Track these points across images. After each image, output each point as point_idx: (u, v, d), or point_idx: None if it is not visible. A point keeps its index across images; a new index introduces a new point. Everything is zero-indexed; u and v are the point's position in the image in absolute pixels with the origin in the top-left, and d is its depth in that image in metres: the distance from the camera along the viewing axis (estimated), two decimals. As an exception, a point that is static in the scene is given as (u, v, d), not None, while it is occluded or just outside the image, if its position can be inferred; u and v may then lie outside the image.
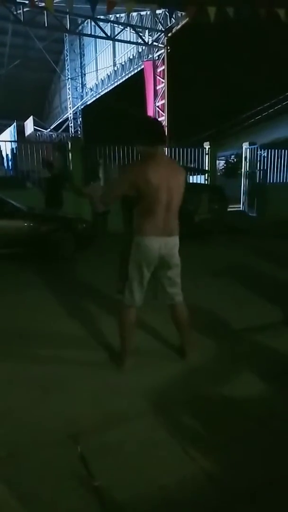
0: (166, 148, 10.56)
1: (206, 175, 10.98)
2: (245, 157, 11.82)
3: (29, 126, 18.56)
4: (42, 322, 3.61)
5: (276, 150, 11.95)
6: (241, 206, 12.05)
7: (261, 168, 11.56)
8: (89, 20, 14.96)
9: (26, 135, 18.26)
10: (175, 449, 1.89)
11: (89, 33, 17.13)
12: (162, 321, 3.16)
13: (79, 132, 21.46)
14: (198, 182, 10.88)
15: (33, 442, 1.95)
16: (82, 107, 21.34)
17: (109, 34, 14.77)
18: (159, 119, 14.27)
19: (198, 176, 11.13)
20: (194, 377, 2.62)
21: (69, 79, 21.07)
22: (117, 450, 1.89)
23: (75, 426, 2.06)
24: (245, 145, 11.83)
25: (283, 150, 12.06)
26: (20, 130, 17.67)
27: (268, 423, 2.11)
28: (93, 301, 4.13)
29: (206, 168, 10.98)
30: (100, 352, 2.95)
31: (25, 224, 5.84)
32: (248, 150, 11.71)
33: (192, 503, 1.59)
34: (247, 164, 11.81)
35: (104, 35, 14.63)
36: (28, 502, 1.59)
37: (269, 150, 11.81)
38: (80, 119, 21.86)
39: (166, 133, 2.66)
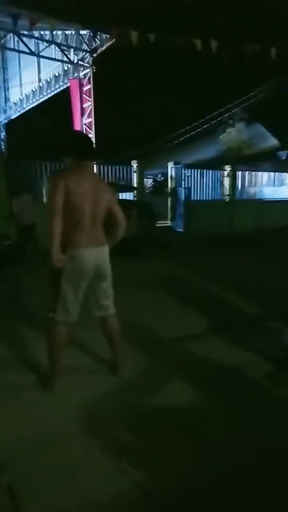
0: (95, 165, 10.64)
1: (135, 192, 11.24)
2: (171, 176, 12.35)
3: None
4: None
5: (199, 170, 12.70)
6: (169, 221, 12.50)
7: (186, 186, 12.16)
8: (12, 34, 14.67)
9: None
10: (109, 464, 1.85)
11: (13, 47, 16.76)
12: (91, 337, 3.11)
13: (2, 147, 20.66)
14: (128, 199, 11.09)
15: None
16: (5, 121, 20.64)
17: (33, 50, 14.60)
18: (87, 137, 14.36)
19: (127, 193, 11.35)
20: (126, 390, 2.60)
21: (-9, 93, 20.29)
22: (48, 473, 1.80)
23: (1, 454, 1.91)
24: (170, 165, 12.37)
25: (204, 170, 12.86)
26: None
27: (199, 431, 2.16)
28: (20, 321, 3.93)
29: (135, 185, 11.25)
30: (28, 374, 2.80)
31: None
32: (173, 169, 12.26)
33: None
34: (173, 182, 12.34)
35: (28, 51, 14.43)
36: None
37: (193, 170, 12.51)
38: (4, 133, 21.10)
39: (94, 149, 2.68)
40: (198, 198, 12.59)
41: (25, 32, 13.42)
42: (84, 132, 14.09)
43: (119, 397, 2.52)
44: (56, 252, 2.37)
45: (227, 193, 13.03)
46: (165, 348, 3.30)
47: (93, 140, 13.83)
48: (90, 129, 14.41)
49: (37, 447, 1.98)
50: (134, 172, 11.29)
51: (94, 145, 2.67)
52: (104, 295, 2.67)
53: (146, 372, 2.87)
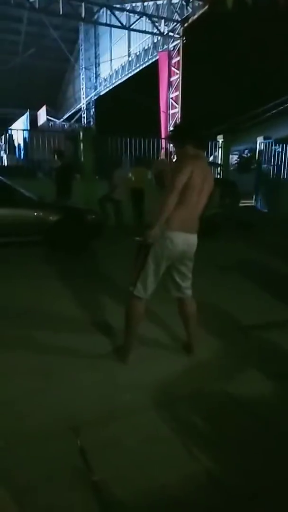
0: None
1: (219, 169, 10.83)
2: (259, 152, 11.62)
3: (42, 115, 18.50)
4: (50, 309, 3.59)
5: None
6: (253, 201, 11.88)
7: (275, 163, 11.35)
8: (104, 8, 14.77)
9: (38, 124, 18.22)
10: (177, 446, 1.85)
11: (104, 22, 16.91)
12: (170, 315, 3.11)
13: (91, 123, 21.33)
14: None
15: (32, 434, 1.93)
16: (95, 97, 21.19)
17: (124, 24, 14.56)
18: (173, 111, 14.11)
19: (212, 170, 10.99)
20: (199, 373, 2.57)
21: (83, 69, 20.90)
22: (118, 445, 1.86)
23: (76, 419, 2.03)
24: (260, 139, 11.61)
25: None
26: (33, 120, 17.63)
27: (273, 424, 2.05)
28: (102, 291, 4.10)
29: (219, 162, 10.83)
30: (106, 343, 2.92)
31: (35, 213, 5.82)
32: (262, 144, 11.50)
33: (193, 503, 1.55)
34: (261, 158, 11.60)
35: (119, 24, 14.43)
36: (25, 495, 1.56)
37: (284, 145, 11.58)
38: (93, 109, 21.73)
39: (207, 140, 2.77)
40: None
41: (117, 6, 13.41)
42: (170, 106, 13.87)
43: (190, 378, 2.50)
44: (158, 228, 2.41)
45: None
46: (241, 335, 3.18)
47: (178, 114, 13.58)
48: (176, 103, 14.12)
49: (108, 417, 2.06)
50: (220, 148, 10.84)
51: (207, 133, 2.75)
52: (182, 277, 2.67)
53: (220, 356, 2.80)
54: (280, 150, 11.39)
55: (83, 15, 14.28)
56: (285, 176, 11.54)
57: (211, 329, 3.13)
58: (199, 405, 2.19)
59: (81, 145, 9.14)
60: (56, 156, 7.54)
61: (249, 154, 15.99)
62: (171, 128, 2.80)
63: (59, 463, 1.74)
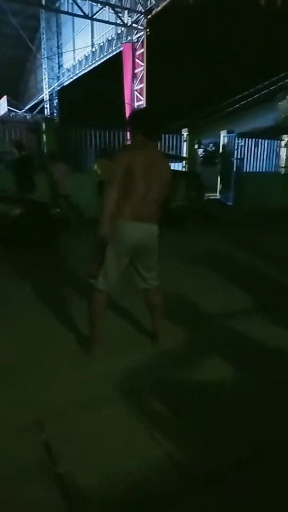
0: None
1: (184, 162, 10.93)
2: (223, 145, 11.83)
3: (2, 106, 17.90)
4: (11, 304, 3.51)
5: (253, 140, 12.01)
6: (218, 194, 12.10)
7: (238, 156, 11.61)
8: (66, -4, 14.41)
9: (-1, 115, 17.59)
10: (142, 434, 1.87)
11: (66, 10, 16.49)
12: (135, 307, 3.12)
13: (55, 114, 20.85)
14: (177, 169, 10.84)
15: (-5, 430, 1.88)
16: (58, 88, 20.70)
17: (87, 13, 14.27)
18: (138, 103, 14.04)
19: (176, 164, 11.06)
20: (164, 362, 2.61)
21: (45, 59, 20.32)
22: (84, 436, 1.86)
23: (40, 413, 2.00)
24: (223, 133, 11.82)
25: (260, 140, 12.14)
26: (-7, 110, 17.00)
27: (236, 408, 2.12)
28: (65, 285, 4.05)
29: (184, 155, 10.93)
30: (70, 337, 2.89)
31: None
32: (225, 138, 11.72)
33: (156, 488, 1.58)
34: (224, 152, 11.82)
35: (82, 14, 14.13)
36: (-13, 491, 1.53)
37: (247, 139, 11.85)
38: (56, 100, 21.22)
39: (161, 128, 2.74)
40: (251, 170, 11.99)
41: (79, -6, 13.11)
42: (135, 98, 13.80)
43: (156, 367, 2.53)
44: (107, 224, 2.40)
45: (283, 165, 12.28)
46: (206, 324, 3.25)
47: (143, 106, 13.53)
48: (141, 95, 14.07)
49: (74, 410, 2.05)
50: (184, 141, 10.93)
51: (160, 124, 2.69)
52: (147, 269, 2.68)
53: (185, 346, 2.86)
54: (242, 144, 11.65)
55: (43, 1, 13.87)
56: (248, 170, 11.84)
57: (176, 319, 3.18)
58: (164, 394, 2.23)
59: (44, 136, 8.93)
60: (15, 147, 7.30)
61: (213, 148, 16.27)
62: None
63: (22, 458, 1.71)
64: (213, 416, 2.04)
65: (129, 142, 2.80)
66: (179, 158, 10.98)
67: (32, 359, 2.54)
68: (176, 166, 11.03)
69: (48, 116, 19.44)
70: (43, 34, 20.13)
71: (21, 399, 2.13)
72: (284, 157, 12.25)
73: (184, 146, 10.94)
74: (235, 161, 11.43)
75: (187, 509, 1.50)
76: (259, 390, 2.29)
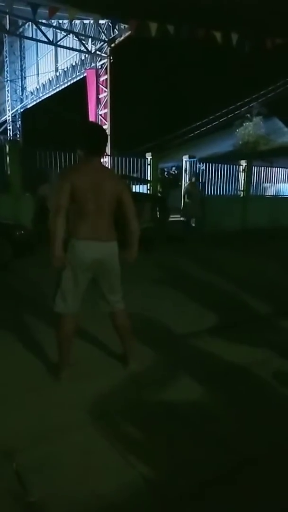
0: (109, 157, 10.62)
1: (148, 185, 11.19)
2: (185, 169, 12.25)
3: None
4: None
5: (214, 164, 12.56)
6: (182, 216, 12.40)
7: (200, 180, 12.04)
8: (30, 22, 14.63)
9: None
10: (114, 457, 1.87)
11: (30, 36, 16.72)
12: (102, 329, 3.13)
13: (18, 136, 20.76)
14: (141, 191, 11.05)
15: None
16: (21, 110, 20.70)
17: (51, 39, 14.55)
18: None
19: (141, 186, 11.31)
20: (133, 384, 2.62)
21: (8, 81, 20.34)
22: (55, 463, 1.83)
23: (9, 442, 1.95)
24: (185, 158, 12.26)
25: (219, 164, 12.70)
26: None
27: (205, 427, 2.16)
28: (30, 311, 3.99)
29: (148, 178, 11.19)
30: (37, 364, 2.84)
31: None
32: (188, 162, 12.15)
33: (130, 507, 1.58)
34: (187, 176, 12.23)
35: (46, 40, 14.39)
36: None
37: (207, 164, 12.37)
38: (20, 122, 21.18)
39: (106, 143, 2.63)
40: (212, 193, 12.46)
41: (44, 21, 13.38)
42: (99, 122, 14.05)
43: (126, 390, 2.54)
44: (57, 250, 2.38)
45: (242, 189, 12.88)
46: (175, 344, 3.31)
47: (108, 131, 13.79)
48: (105, 120, 14.36)
49: (44, 437, 2.01)
50: (148, 164, 11.23)
51: (106, 139, 2.59)
52: (110, 291, 2.66)
53: (154, 367, 2.89)
54: (203, 168, 12.13)
55: (7, 27, 14.00)
56: (209, 193, 12.30)
57: (144, 340, 3.21)
58: (135, 416, 2.24)
59: (7, 158, 8.86)
60: None
61: (176, 172, 16.78)
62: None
63: (-8, 489, 1.66)
64: (184, 436, 2.08)
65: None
66: (143, 181, 11.22)
67: (2, 390, 2.48)
68: (140, 189, 11.26)
69: (11, 138, 19.31)
70: (6, 57, 20.21)
71: (-11, 428, 2.06)
72: (243, 181, 12.85)
73: (148, 170, 11.22)
74: (197, 184, 11.82)
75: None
76: (228, 408, 2.36)
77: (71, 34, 14.09)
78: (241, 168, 12.91)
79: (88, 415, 2.21)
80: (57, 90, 17.08)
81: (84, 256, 2.45)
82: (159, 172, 12.43)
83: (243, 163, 12.93)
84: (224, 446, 2.00)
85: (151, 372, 2.80)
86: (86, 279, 2.55)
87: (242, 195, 12.86)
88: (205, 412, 2.31)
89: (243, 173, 12.87)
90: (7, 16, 13.31)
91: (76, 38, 14.10)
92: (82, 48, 14.13)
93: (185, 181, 12.20)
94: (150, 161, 11.17)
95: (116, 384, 2.60)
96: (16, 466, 1.78)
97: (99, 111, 14.44)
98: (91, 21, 13.40)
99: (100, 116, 14.45)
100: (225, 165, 12.81)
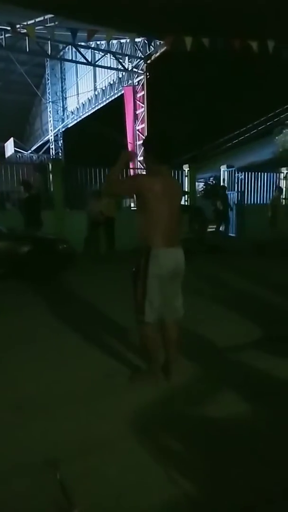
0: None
1: (186, 196, 11.19)
2: (223, 179, 12.13)
3: (10, 147, 18.61)
4: (26, 340, 3.52)
5: (253, 173, 12.34)
6: (221, 226, 12.24)
7: (239, 190, 11.87)
8: (70, 46, 15.34)
9: (6, 156, 18.26)
10: (158, 472, 1.85)
11: (70, 58, 17.53)
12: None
13: (60, 154, 21.62)
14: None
15: (9, 471, 1.87)
16: (63, 129, 21.60)
17: (89, 60, 15.16)
18: (139, 142, 14.57)
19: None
20: (177, 397, 2.58)
21: (50, 103, 21.36)
22: (99, 475, 1.83)
23: (54, 452, 1.99)
24: (223, 168, 12.16)
25: (259, 173, 12.46)
26: (0, 152, 17.69)
27: (251, 444, 2.08)
28: (78, 320, 4.07)
29: (186, 190, 11.20)
30: (85, 376, 2.88)
31: (4, 244, 5.77)
32: (226, 172, 12.04)
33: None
34: (225, 185, 12.10)
35: (84, 61, 15.01)
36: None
37: (246, 173, 12.17)
38: (61, 141, 22.09)
39: (174, 151, 2.69)
40: (252, 202, 12.21)
41: (82, 43, 13.98)
42: (137, 137, 14.32)
43: (170, 403, 2.51)
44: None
45: (284, 197, 12.51)
46: (217, 357, 3.23)
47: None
48: (142, 134, 14.61)
49: (88, 449, 2.03)
50: (186, 176, 11.25)
51: (175, 147, 2.68)
52: (176, 296, 2.69)
53: (198, 380, 2.83)
54: (242, 177, 11.95)
55: (49, 52, 14.76)
56: (248, 202, 12.07)
57: (186, 352, 3.16)
58: (178, 430, 2.20)
59: (50, 176, 9.23)
60: (23, 187, 7.56)
61: (214, 182, 16.65)
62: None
63: (38, 499, 1.69)
64: (228, 454, 2.01)
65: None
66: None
67: (44, 399, 2.54)
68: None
69: (53, 156, 20.15)
70: (48, 80, 21.29)
71: (34, 440, 2.11)
72: (284, 189, 12.48)
73: (186, 181, 11.24)
74: (235, 194, 11.65)
75: None
76: (277, 428, 2.26)
77: (108, 54, 14.60)
78: (282, 175, 12.58)
79: (131, 428, 2.21)
80: (96, 108, 17.69)
81: (168, 265, 2.50)
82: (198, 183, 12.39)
83: (284, 170, 12.59)
84: (271, 468, 1.91)
85: (194, 385, 2.75)
86: (168, 285, 2.57)
87: (284, 203, 12.49)
88: (250, 430, 2.22)
89: (285, 181, 12.52)
90: (49, 42, 14.04)
91: (113, 57, 14.59)
92: (119, 66, 14.58)
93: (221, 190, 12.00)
94: (187, 172, 11.19)
95: (159, 396, 2.57)
96: (60, 477, 1.80)
97: (136, 126, 14.74)
98: (127, 40, 13.82)
99: (137, 131, 14.73)
100: (265, 174, 12.55)
